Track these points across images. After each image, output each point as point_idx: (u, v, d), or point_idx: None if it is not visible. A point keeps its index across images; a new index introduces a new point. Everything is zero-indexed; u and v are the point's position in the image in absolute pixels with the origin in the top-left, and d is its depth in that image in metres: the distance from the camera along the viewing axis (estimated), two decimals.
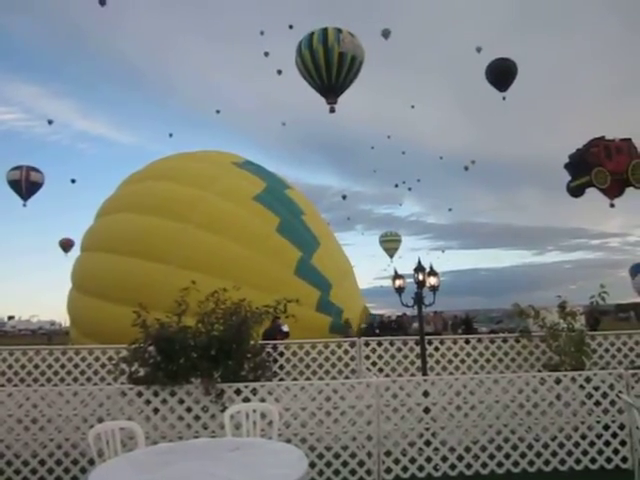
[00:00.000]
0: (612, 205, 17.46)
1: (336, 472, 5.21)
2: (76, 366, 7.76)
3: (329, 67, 18.17)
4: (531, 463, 5.34)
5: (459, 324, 26.64)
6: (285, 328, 10.22)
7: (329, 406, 5.34)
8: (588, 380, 5.56)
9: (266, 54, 28.42)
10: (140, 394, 5.36)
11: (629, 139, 17.53)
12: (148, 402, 5.33)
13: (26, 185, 25.62)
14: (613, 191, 17.23)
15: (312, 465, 5.09)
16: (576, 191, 17.87)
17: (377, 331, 13.37)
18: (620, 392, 5.45)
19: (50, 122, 38.01)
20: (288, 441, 4.97)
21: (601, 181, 16.84)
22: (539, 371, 7.30)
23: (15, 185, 25.75)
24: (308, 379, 7.52)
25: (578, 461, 5.36)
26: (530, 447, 5.38)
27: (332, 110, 19.56)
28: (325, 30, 18.46)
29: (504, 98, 23.22)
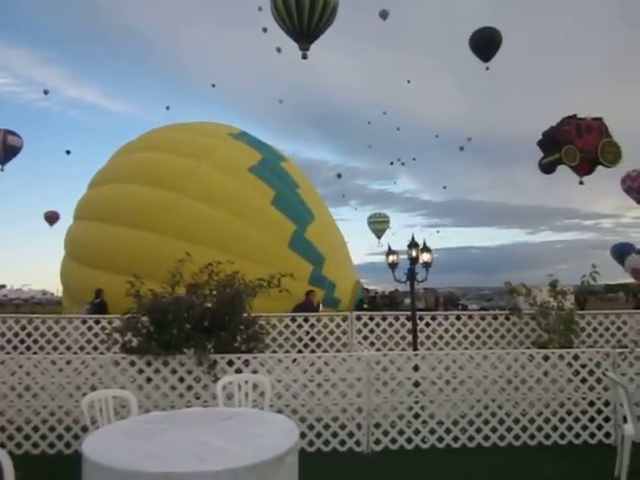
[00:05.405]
0: (581, 182, 17.69)
1: (326, 442, 5.31)
2: (69, 335, 7.79)
3: (301, 12, 18.02)
4: (517, 437, 5.46)
5: (447, 303, 26.94)
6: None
7: (320, 378, 5.41)
8: (576, 358, 5.65)
9: (264, 30, 27.75)
10: (133, 363, 5.40)
11: (600, 118, 17.62)
12: (141, 371, 5.38)
13: (4, 149, 24.75)
14: (582, 169, 17.41)
15: (303, 436, 5.18)
16: (547, 168, 18.06)
17: (365, 306, 13.38)
18: (606, 370, 5.55)
19: (46, 92, 37.19)
20: (279, 412, 5.03)
21: (571, 158, 16.98)
22: (528, 348, 7.40)
23: None
24: (300, 352, 7.60)
25: (563, 436, 5.48)
26: (516, 421, 5.49)
27: (304, 56, 19.43)
28: None
29: (487, 68, 22.99)
